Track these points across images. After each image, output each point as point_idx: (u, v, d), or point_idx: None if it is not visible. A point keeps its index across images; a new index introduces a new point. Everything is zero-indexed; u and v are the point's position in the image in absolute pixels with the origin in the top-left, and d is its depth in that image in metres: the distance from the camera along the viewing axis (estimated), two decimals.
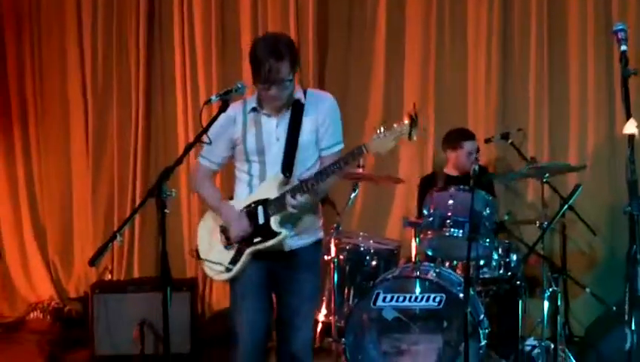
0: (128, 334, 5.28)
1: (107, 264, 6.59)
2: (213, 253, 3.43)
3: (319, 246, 3.54)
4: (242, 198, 3.41)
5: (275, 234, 3.30)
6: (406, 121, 3.08)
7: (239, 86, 3.19)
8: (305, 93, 3.40)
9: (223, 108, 3.21)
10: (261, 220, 3.32)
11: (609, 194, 5.60)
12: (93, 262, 2.93)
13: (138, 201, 6.52)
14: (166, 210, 2.95)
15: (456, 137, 5.28)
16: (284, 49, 3.19)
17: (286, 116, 3.35)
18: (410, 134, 3.07)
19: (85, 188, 6.85)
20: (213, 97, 3.22)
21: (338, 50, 6.31)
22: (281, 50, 3.17)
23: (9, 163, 7.06)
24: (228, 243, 3.40)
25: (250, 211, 3.35)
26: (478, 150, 5.22)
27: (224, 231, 3.42)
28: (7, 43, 6.99)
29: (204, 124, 3.20)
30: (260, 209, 3.33)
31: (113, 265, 6.63)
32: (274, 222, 3.31)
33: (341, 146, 3.45)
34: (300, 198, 3.20)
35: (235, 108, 3.36)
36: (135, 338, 5.26)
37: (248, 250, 3.35)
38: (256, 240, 3.33)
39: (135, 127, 6.63)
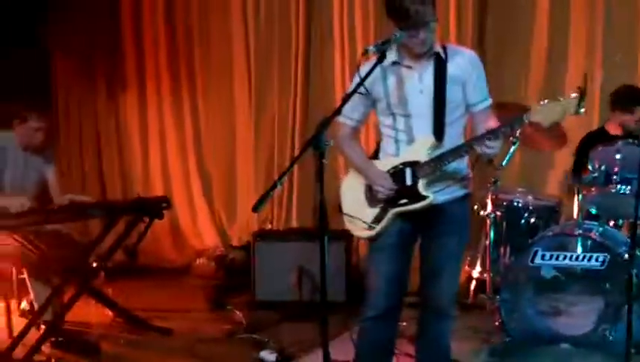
0: (287, 281, 5.48)
1: (267, 214, 6.81)
2: (357, 210, 3.41)
3: (466, 200, 3.46)
4: (389, 156, 3.38)
5: (422, 197, 3.26)
6: (573, 95, 2.96)
7: (397, 35, 3.14)
8: (444, 47, 3.31)
9: (380, 59, 3.17)
10: (409, 182, 3.29)
11: None
12: (256, 208, 3.00)
13: (297, 152, 6.67)
14: (324, 160, 2.97)
15: (629, 100, 4.92)
16: None
17: (428, 69, 3.27)
18: (578, 109, 2.95)
19: (248, 141, 7.10)
20: (371, 47, 3.17)
21: (498, 7, 6.10)
22: None
23: (177, 117, 7.45)
24: (373, 202, 3.37)
25: (398, 172, 3.32)
26: None
27: (369, 189, 3.39)
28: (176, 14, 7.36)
29: (361, 75, 3.18)
30: (408, 171, 3.29)
31: (273, 214, 6.85)
32: (422, 186, 3.27)
33: (490, 102, 3.36)
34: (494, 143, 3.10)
35: (372, 64, 3.25)
36: (293, 285, 5.44)
37: (393, 211, 3.32)
38: (402, 201, 3.30)
39: (295, 80, 6.77)
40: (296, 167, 6.23)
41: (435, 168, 3.23)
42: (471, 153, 3.25)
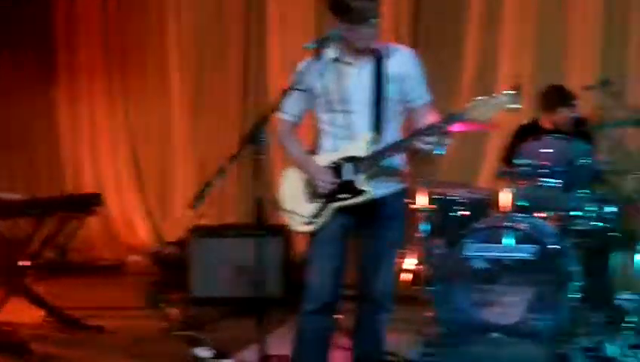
0: (223, 277, 5.46)
1: (203, 209, 6.75)
2: (296, 205, 3.44)
3: (403, 194, 3.52)
4: (328, 152, 3.41)
5: (361, 191, 3.31)
6: (507, 92, 3.06)
7: (335, 32, 3.19)
8: (384, 45, 3.36)
9: (318, 55, 3.21)
10: (348, 177, 3.33)
11: None
12: (194, 204, 3.02)
13: (233, 149, 6.65)
14: (262, 156, 2.98)
15: (553, 101, 5.06)
16: None
17: (367, 66, 3.32)
18: (512, 105, 3.06)
19: (182, 135, 7.06)
20: (310, 44, 3.22)
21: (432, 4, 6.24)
22: None
23: (109, 112, 7.35)
24: (312, 197, 3.40)
25: (337, 167, 3.35)
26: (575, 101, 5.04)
27: (309, 184, 3.42)
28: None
29: (299, 71, 3.22)
30: (348, 166, 3.33)
31: (208, 210, 6.80)
32: (361, 180, 3.31)
33: (429, 98, 3.43)
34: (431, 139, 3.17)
35: (311, 61, 3.30)
36: (229, 281, 5.42)
37: (333, 205, 3.36)
38: (342, 196, 3.34)
39: (232, 76, 6.82)
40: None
41: (375, 163, 3.28)
42: (409, 149, 3.30)
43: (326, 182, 3.33)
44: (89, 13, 7.33)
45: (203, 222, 6.73)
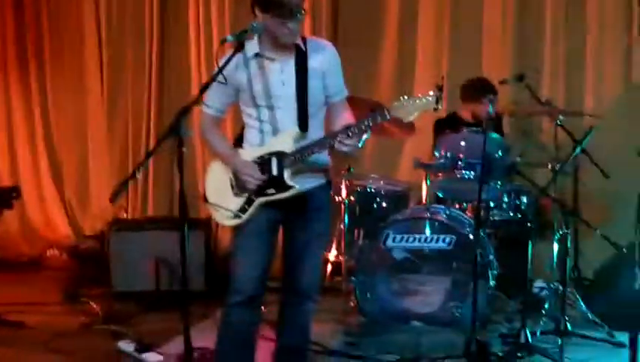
0: (144, 271, 5.40)
1: (122, 203, 6.68)
2: (221, 199, 3.42)
3: (328, 187, 3.56)
4: (254, 146, 3.40)
5: (288, 187, 3.32)
6: (431, 93, 3.12)
7: (254, 25, 3.19)
8: (304, 40, 3.38)
9: (238, 49, 3.20)
10: (275, 172, 3.33)
11: (622, 136, 5.56)
12: (113, 198, 2.97)
13: (152, 141, 6.60)
14: (184, 149, 2.97)
15: (476, 91, 5.16)
16: None
17: (290, 61, 3.33)
18: (436, 106, 3.13)
19: (101, 128, 6.95)
20: (229, 37, 3.19)
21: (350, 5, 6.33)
22: None
23: (26, 104, 7.18)
24: (238, 191, 3.40)
25: (264, 162, 3.35)
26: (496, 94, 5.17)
27: (234, 178, 3.41)
28: None
29: (219, 64, 3.18)
30: (274, 161, 3.34)
31: (128, 203, 6.73)
32: (287, 175, 3.32)
33: (346, 93, 3.50)
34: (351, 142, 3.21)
35: (230, 54, 3.24)
36: (151, 274, 5.37)
37: (259, 200, 3.36)
38: (269, 191, 3.34)
39: (149, 68, 6.70)
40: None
41: (301, 158, 3.30)
42: (333, 146, 3.29)
43: (253, 177, 3.33)
44: (1, 5, 7.12)
45: (123, 215, 6.67)
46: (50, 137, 7.15)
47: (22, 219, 7.09)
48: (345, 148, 3.22)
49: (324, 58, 3.39)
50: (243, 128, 3.51)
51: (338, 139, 3.22)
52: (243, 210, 3.38)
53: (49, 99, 7.12)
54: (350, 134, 3.20)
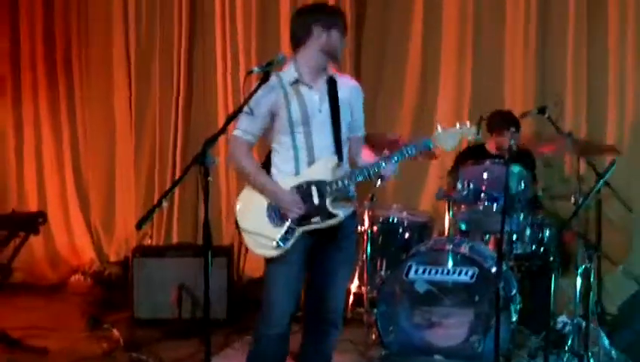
0: (166, 298, 5.41)
1: (147, 229, 6.73)
2: (261, 228, 3.41)
3: (355, 215, 3.60)
4: (288, 174, 3.41)
5: (332, 215, 3.37)
6: (469, 124, 3.33)
7: (280, 57, 3.27)
8: (333, 73, 3.50)
9: (264, 79, 3.26)
10: (316, 201, 3.36)
11: None
12: (140, 225, 3.00)
13: (178, 169, 6.66)
14: (209, 178, 3.01)
15: (499, 123, 5.14)
16: None
17: (324, 89, 3.41)
18: (476, 137, 3.35)
19: (128, 156, 7.02)
20: (256, 68, 3.26)
21: (375, 30, 6.37)
22: None
23: (55, 130, 7.28)
24: (278, 220, 3.39)
25: (303, 191, 3.38)
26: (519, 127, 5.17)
27: (272, 207, 3.41)
28: (55, 8, 7.18)
29: (245, 95, 3.24)
30: (314, 189, 3.37)
31: (153, 230, 6.80)
32: (330, 204, 3.37)
33: (364, 133, 3.62)
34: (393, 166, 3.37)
35: (271, 80, 3.34)
36: (173, 302, 5.38)
37: (302, 229, 3.37)
38: (314, 220, 3.36)
39: (176, 98, 6.78)
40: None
41: (344, 187, 3.36)
42: (376, 175, 3.40)
43: (298, 206, 3.35)
44: (32, 31, 7.25)
45: (148, 242, 6.72)
46: (77, 163, 7.24)
47: (48, 244, 7.14)
48: (387, 173, 3.36)
49: (351, 92, 3.50)
50: (268, 156, 3.54)
51: (385, 163, 3.33)
52: (285, 239, 3.37)
53: (78, 125, 7.23)
54: (394, 161, 3.34)
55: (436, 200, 5.00)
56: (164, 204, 3.03)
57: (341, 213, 3.38)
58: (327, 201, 3.36)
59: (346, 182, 3.35)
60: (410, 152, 3.35)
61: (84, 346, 5.04)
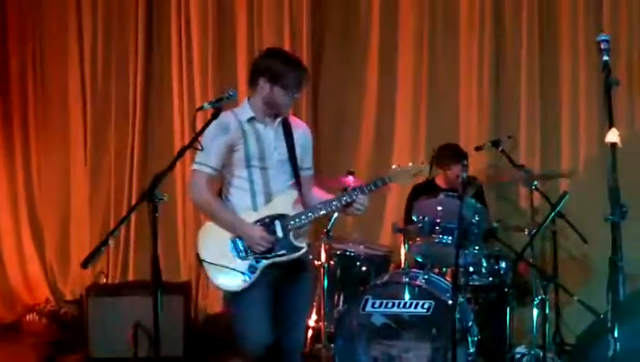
0: (122, 337, 5.33)
1: (103, 267, 6.63)
2: (223, 261, 3.45)
3: (310, 248, 3.71)
4: (246, 209, 3.49)
5: (297, 247, 3.48)
6: (423, 163, 3.62)
7: (231, 93, 3.32)
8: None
9: (215, 115, 3.31)
10: (280, 234, 3.46)
11: (601, 200, 5.55)
12: (86, 264, 2.97)
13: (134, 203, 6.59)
14: (157, 214, 3.00)
15: (446, 157, 5.21)
16: None
17: (278, 129, 3.55)
18: (428, 175, 3.75)
19: (83, 192, 6.94)
20: (206, 104, 3.33)
21: (332, 61, 6.43)
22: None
23: (9, 165, 7.17)
24: (243, 253, 3.46)
25: (264, 224, 3.46)
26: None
27: (236, 241, 3.47)
28: (10, 49, 7.14)
29: (198, 130, 3.28)
30: (278, 223, 3.47)
31: (109, 268, 6.69)
32: (294, 237, 3.47)
33: (312, 172, 3.74)
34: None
35: (227, 116, 3.48)
36: (129, 340, 5.31)
37: (266, 262, 3.45)
38: (279, 252, 3.45)
39: (132, 133, 6.74)
40: (133, 218, 6.18)
41: (307, 220, 3.48)
42: (338, 208, 3.55)
43: (265, 239, 3.42)
44: None
45: (103, 280, 6.62)
46: (32, 200, 7.13)
47: (1, 282, 7.02)
48: (359, 207, 3.53)
49: (303, 133, 3.65)
50: (220, 191, 3.60)
51: (344, 199, 3.48)
52: (251, 271, 3.44)
53: (32, 161, 7.13)
54: (355, 197, 3.49)
55: (393, 233, 5.01)
56: (110, 243, 3.00)
57: (305, 245, 3.49)
58: (290, 235, 3.46)
59: (310, 215, 3.48)
60: (370, 188, 3.51)
61: None
